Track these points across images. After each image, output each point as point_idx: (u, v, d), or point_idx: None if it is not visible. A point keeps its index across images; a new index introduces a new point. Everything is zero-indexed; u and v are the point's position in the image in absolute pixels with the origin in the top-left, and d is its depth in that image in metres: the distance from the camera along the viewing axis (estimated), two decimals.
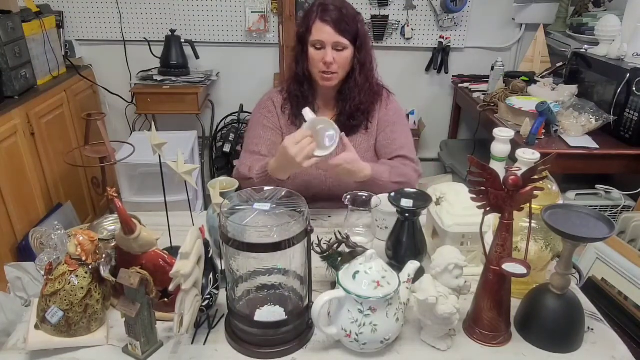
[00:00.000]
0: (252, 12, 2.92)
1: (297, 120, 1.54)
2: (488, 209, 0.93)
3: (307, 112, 1.32)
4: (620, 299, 1.55)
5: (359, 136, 1.56)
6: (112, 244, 1.01)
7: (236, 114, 3.13)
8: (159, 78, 2.81)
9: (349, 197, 1.19)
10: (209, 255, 0.97)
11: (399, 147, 1.55)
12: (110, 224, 1.19)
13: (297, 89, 1.54)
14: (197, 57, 2.94)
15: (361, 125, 1.55)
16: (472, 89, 2.87)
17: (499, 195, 0.91)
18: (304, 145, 1.25)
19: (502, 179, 0.91)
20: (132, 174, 2.40)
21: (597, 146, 2.02)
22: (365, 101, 1.53)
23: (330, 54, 1.43)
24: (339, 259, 1.04)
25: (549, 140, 2.07)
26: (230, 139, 2.94)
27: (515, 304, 1.03)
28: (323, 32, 1.43)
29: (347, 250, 1.01)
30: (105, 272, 0.94)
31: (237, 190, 1.16)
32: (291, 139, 1.26)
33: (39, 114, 2.30)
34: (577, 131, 2.07)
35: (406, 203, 1.12)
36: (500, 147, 1.45)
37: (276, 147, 1.46)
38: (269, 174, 1.38)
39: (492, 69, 2.68)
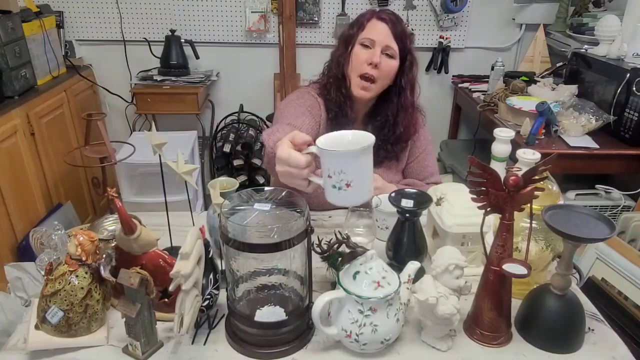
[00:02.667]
0: (252, 12, 2.92)
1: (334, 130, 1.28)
2: (488, 209, 0.93)
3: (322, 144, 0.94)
4: (620, 299, 1.55)
5: (390, 163, 1.51)
6: (112, 244, 1.01)
7: (236, 114, 3.13)
8: (159, 78, 2.81)
9: None
10: (209, 255, 0.97)
11: (429, 175, 1.55)
12: (110, 224, 1.19)
13: (335, 94, 1.41)
14: (197, 57, 2.94)
15: (396, 155, 1.49)
16: (472, 89, 2.87)
17: (499, 196, 0.91)
18: (293, 172, 0.99)
19: (502, 179, 0.91)
20: (132, 174, 2.40)
21: (597, 146, 2.02)
22: (408, 128, 1.44)
23: (378, 54, 1.34)
24: (339, 259, 1.04)
25: (549, 140, 2.07)
26: (230, 139, 2.94)
27: (515, 304, 1.03)
28: (377, 30, 1.35)
29: (347, 250, 1.01)
30: (105, 272, 0.94)
31: (238, 189, 1.16)
32: (285, 154, 0.99)
33: (39, 114, 2.30)
34: (577, 131, 2.07)
35: (406, 203, 1.12)
36: (500, 147, 1.45)
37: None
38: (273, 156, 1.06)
39: (492, 69, 2.68)
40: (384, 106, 1.43)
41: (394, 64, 1.38)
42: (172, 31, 2.84)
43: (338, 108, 1.42)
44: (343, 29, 1.46)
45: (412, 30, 2.99)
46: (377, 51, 1.35)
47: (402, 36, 1.38)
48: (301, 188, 1.01)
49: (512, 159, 1.33)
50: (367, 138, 0.91)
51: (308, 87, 1.53)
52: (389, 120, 1.43)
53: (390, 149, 1.45)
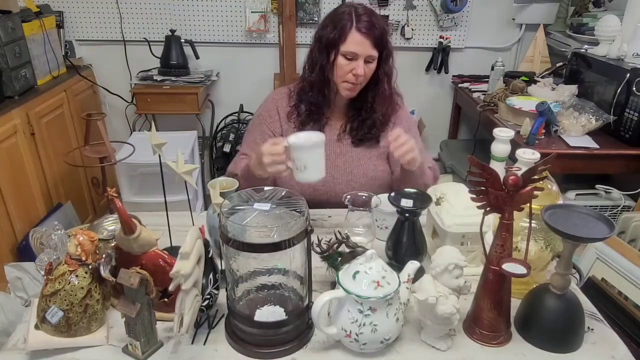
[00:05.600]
0: (252, 12, 2.92)
1: (303, 128, 1.51)
2: (488, 209, 0.94)
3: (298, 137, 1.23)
4: (620, 299, 1.55)
5: (371, 145, 1.55)
6: (112, 244, 1.01)
7: (236, 114, 3.14)
8: (159, 78, 2.81)
9: (349, 197, 1.19)
10: (209, 255, 0.98)
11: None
12: (110, 224, 1.19)
13: (317, 96, 1.49)
14: (197, 57, 2.94)
15: (376, 137, 1.54)
16: (472, 89, 2.87)
17: (499, 195, 0.91)
18: (276, 159, 1.25)
19: (502, 179, 0.91)
20: (132, 174, 2.40)
21: (597, 146, 2.02)
22: (387, 112, 1.52)
23: (362, 66, 1.40)
24: (339, 259, 1.04)
25: (549, 140, 2.07)
26: (230, 139, 2.94)
27: (515, 304, 1.03)
28: (358, 43, 1.39)
29: (347, 250, 1.01)
30: (105, 272, 0.94)
31: (237, 190, 1.16)
32: (268, 149, 1.26)
33: (39, 114, 2.30)
34: (577, 131, 2.07)
35: (406, 203, 1.12)
36: (500, 147, 1.45)
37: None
38: (250, 169, 1.37)
39: (492, 69, 2.68)
40: (363, 94, 1.50)
41: (374, 66, 1.45)
42: (172, 31, 2.84)
43: (315, 108, 1.51)
44: (319, 28, 1.49)
45: (413, 30, 2.99)
46: (360, 63, 1.41)
47: (381, 40, 1.43)
48: (282, 172, 1.27)
49: (512, 158, 1.33)
50: (318, 136, 1.22)
51: (280, 91, 1.60)
52: (367, 105, 1.50)
53: (368, 131, 1.52)
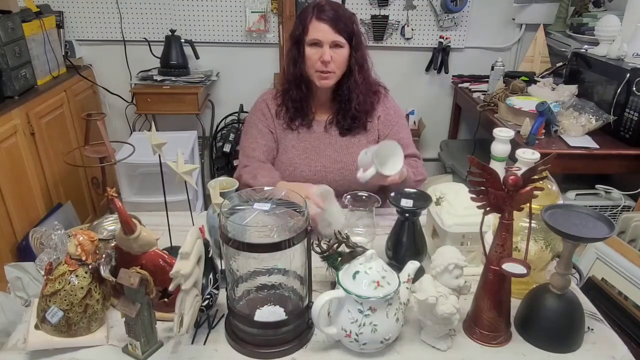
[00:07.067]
0: (252, 12, 2.92)
1: (292, 123, 1.58)
2: (488, 209, 0.94)
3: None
4: (620, 299, 1.55)
5: (358, 133, 1.59)
6: (112, 244, 1.01)
7: (236, 114, 3.14)
8: (159, 78, 2.81)
9: (349, 197, 1.19)
10: (209, 255, 0.98)
11: (405, 147, 1.59)
12: (110, 224, 1.19)
13: (296, 92, 1.55)
14: (197, 57, 2.94)
15: (362, 125, 1.59)
16: (472, 89, 2.87)
17: (499, 195, 0.91)
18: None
19: (502, 179, 0.91)
20: (132, 174, 2.40)
21: (597, 146, 2.02)
22: (365, 101, 1.56)
23: (328, 52, 1.45)
24: (339, 259, 1.04)
25: (549, 140, 2.07)
26: (230, 139, 2.94)
27: (515, 304, 1.03)
28: (320, 30, 1.45)
29: (347, 250, 1.01)
30: (105, 272, 0.94)
31: (237, 190, 1.16)
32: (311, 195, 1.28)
33: (39, 114, 2.30)
34: (577, 131, 2.07)
35: (406, 203, 1.12)
36: (500, 147, 1.45)
37: (272, 152, 1.57)
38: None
39: (492, 69, 2.68)
40: (340, 85, 1.55)
41: (345, 52, 1.48)
42: (172, 31, 2.84)
43: (299, 104, 1.56)
44: (292, 30, 1.55)
45: (413, 30, 3.00)
46: (326, 49, 1.45)
47: (345, 27, 1.46)
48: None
49: (512, 158, 1.33)
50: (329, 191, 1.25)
51: (267, 92, 1.66)
52: (344, 95, 1.54)
53: (352, 121, 1.56)
